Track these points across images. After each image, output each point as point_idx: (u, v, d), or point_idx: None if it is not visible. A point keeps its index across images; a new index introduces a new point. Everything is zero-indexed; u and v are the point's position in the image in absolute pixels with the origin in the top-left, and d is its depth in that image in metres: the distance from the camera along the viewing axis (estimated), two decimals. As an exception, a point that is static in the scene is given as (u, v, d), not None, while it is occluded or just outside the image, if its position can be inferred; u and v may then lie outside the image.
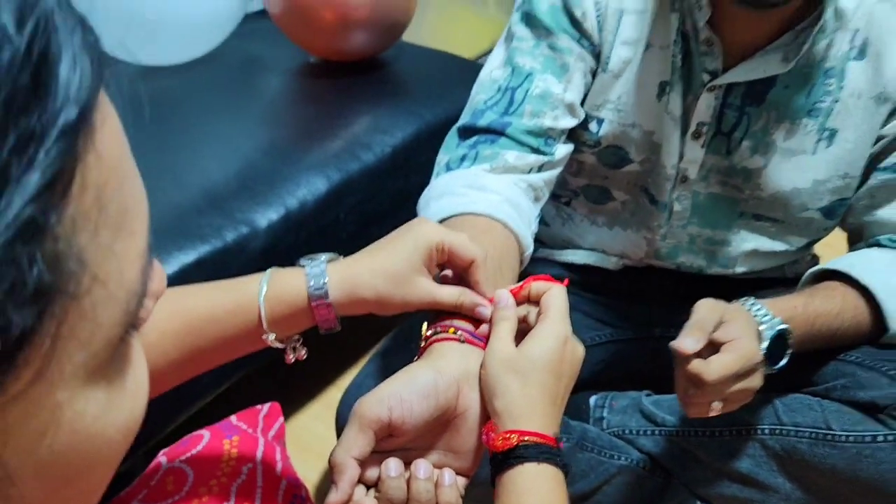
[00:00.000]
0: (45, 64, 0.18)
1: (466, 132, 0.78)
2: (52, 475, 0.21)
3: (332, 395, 1.17)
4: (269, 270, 0.52)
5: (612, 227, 0.90)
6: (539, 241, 0.92)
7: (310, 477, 1.05)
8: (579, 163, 0.86)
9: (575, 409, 0.90)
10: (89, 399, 0.21)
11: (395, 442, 0.49)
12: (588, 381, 0.89)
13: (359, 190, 0.97)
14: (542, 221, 0.94)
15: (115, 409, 0.23)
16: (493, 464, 0.48)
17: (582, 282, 0.92)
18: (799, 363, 0.73)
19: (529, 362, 0.49)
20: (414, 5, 1.16)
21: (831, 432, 0.73)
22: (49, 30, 0.18)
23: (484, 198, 0.70)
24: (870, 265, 0.76)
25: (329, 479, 0.48)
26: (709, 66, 0.75)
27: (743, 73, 0.74)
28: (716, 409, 0.67)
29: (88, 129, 0.19)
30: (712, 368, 0.64)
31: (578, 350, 0.52)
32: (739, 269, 0.88)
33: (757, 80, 0.74)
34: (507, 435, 0.47)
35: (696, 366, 0.64)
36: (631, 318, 0.94)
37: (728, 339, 0.65)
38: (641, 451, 0.86)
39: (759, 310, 0.69)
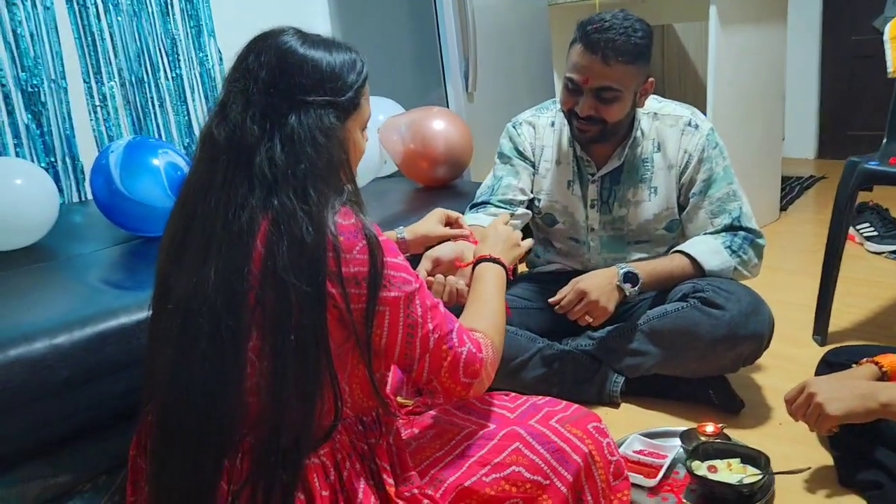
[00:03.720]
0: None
1: (474, 205, 1.69)
2: (355, 156, 0.95)
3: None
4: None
5: (565, 256, 1.73)
6: (534, 264, 1.79)
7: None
8: (536, 224, 1.73)
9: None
10: (360, 134, 0.95)
11: (438, 270, 1.26)
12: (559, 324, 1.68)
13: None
14: (536, 254, 1.81)
15: (362, 140, 0.97)
16: (476, 263, 1.24)
17: (550, 279, 1.72)
18: (659, 295, 1.54)
19: (495, 229, 1.29)
20: (469, 158, 2.17)
21: (667, 311, 1.51)
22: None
23: (483, 221, 1.57)
24: (691, 244, 1.56)
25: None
26: (590, 171, 1.62)
27: (605, 170, 1.60)
28: (588, 319, 1.47)
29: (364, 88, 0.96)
30: (564, 299, 1.47)
31: (513, 234, 1.31)
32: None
33: (612, 170, 1.60)
34: (486, 254, 1.26)
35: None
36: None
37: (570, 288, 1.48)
38: (585, 353, 1.62)
39: (620, 264, 1.51)
